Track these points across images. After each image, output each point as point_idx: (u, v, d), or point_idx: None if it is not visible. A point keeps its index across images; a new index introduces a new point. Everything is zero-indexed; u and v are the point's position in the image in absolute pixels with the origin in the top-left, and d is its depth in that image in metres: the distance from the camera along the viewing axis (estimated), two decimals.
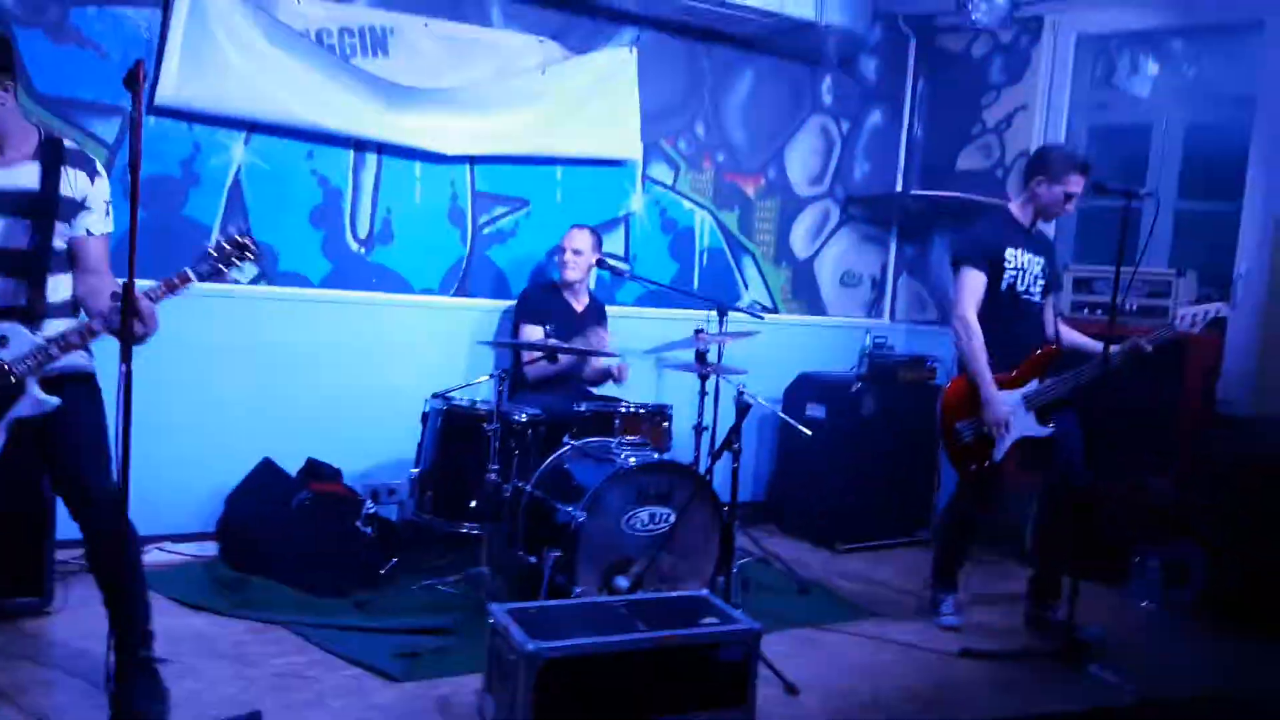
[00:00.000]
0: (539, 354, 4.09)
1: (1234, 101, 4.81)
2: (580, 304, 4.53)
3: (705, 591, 3.29)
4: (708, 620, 2.91)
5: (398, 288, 4.49)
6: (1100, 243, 5.04)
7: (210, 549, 4.03)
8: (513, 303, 4.59)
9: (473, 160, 4.58)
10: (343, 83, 4.15)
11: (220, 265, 2.60)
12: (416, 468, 4.00)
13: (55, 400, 2.54)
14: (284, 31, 4.00)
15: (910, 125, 5.88)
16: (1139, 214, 4.31)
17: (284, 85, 4.03)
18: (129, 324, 2.33)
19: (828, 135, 5.63)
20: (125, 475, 2.32)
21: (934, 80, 5.87)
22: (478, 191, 4.64)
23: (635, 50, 4.84)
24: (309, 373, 4.26)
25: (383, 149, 4.37)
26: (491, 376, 3.88)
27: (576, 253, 4.41)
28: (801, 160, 5.55)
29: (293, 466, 4.11)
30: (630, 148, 4.88)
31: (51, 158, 2.60)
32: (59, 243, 2.63)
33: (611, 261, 4.53)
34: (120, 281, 2.38)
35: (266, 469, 4.06)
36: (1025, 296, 3.83)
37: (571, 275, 4.43)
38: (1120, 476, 4.40)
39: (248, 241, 2.63)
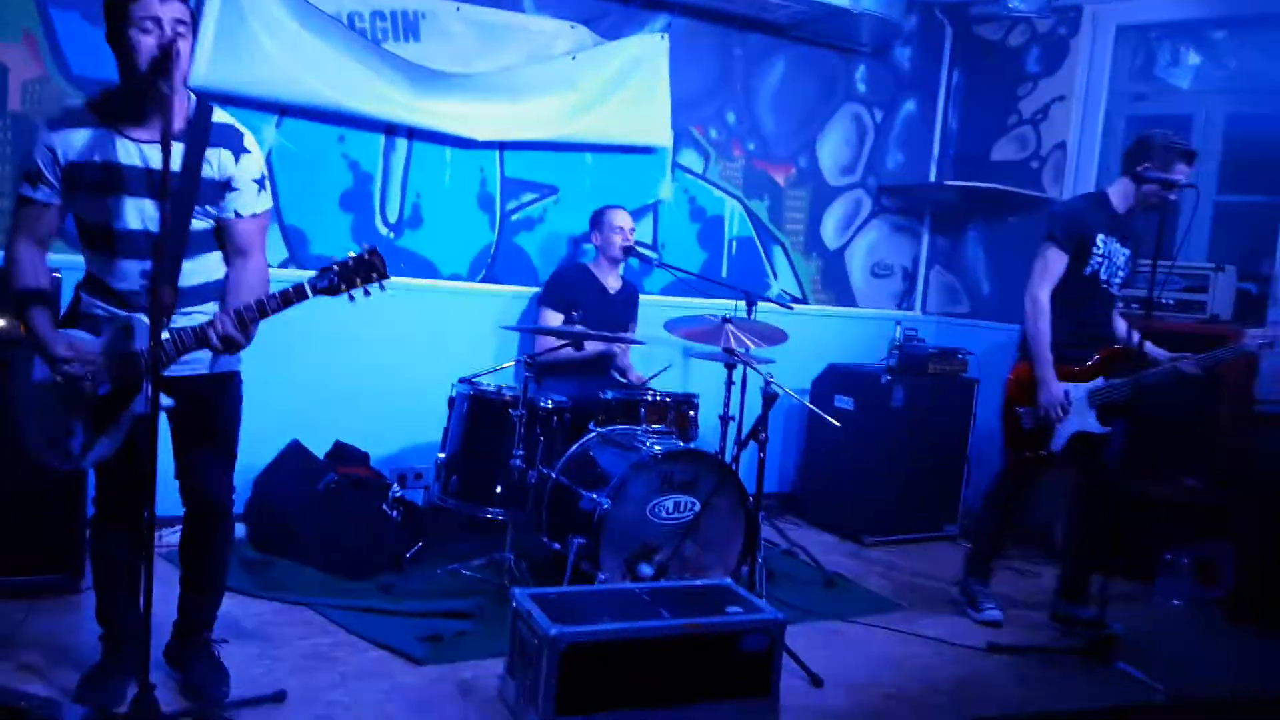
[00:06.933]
0: (554, 342, 4.07)
1: (1276, 93, 4.71)
2: (614, 287, 4.53)
3: (729, 580, 3.28)
4: (732, 609, 2.89)
5: (426, 273, 4.49)
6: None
7: (237, 530, 4.05)
8: (539, 290, 4.58)
9: (502, 146, 4.57)
10: (374, 67, 4.15)
11: (340, 283, 2.36)
12: (442, 452, 4.01)
13: (168, 401, 2.39)
14: (316, 15, 4.01)
15: (944, 115, 5.81)
16: (1178, 206, 4.22)
17: (315, 69, 4.04)
18: (158, 304, 2.32)
19: (860, 124, 5.57)
20: (153, 456, 2.32)
21: (969, 69, 5.79)
22: (507, 177, 4.63)
23: (666, 37, 4.81)
24: (338, 356, 4.28)
25: (413, 134, 4.37)
26: (518, 362, 3.88)
27: (630, 229, 4.45)
28: (833, 149, 5.50)
29: (321, 449, 4.13)
30: (660, 135, 4.85)
31: (197, 135, 2.45)
32: (201, 224, 2.51)
33: (640, 249, 4.52)
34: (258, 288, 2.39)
35: (295, 451, 4.09)
36: (1104, 285, 3.75)
37: (619, 254, 4.43)
38: (1155, 474, 4.34)
39: (376, 261, 2.35)
